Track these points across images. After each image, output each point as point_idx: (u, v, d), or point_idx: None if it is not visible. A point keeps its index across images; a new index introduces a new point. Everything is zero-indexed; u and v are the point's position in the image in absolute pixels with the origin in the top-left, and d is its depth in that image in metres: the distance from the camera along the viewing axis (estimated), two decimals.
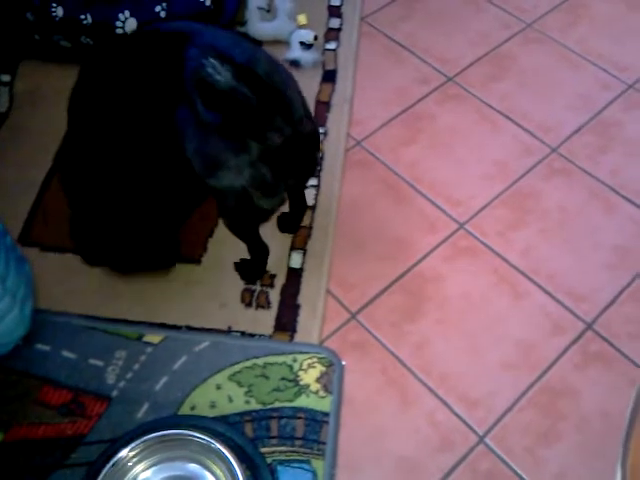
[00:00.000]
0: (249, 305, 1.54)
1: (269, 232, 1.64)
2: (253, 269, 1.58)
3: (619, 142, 1.86)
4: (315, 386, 1.41)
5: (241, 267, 1.59)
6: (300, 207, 1.63)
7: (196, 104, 1.24)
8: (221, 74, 1.18)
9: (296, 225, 1.66)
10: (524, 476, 1.32)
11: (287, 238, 1.64)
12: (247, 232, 1.50)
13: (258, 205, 1.35)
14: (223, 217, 1.47)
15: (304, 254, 1.62)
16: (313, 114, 1.88)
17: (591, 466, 1.34)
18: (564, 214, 1.71)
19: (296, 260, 1.61)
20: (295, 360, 1.44)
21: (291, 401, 1.39)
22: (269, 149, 1.26)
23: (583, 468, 1.34)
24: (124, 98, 1.35)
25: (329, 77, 1.99)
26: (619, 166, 1.80)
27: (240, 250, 1.59)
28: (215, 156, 1.29)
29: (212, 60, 1.19)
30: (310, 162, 1.45)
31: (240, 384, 1.41)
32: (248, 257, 1.58)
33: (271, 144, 1.26)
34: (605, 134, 1.87)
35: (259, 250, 1.54)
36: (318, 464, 1.31)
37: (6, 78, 1.96)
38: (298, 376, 1.42)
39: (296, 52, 2.00)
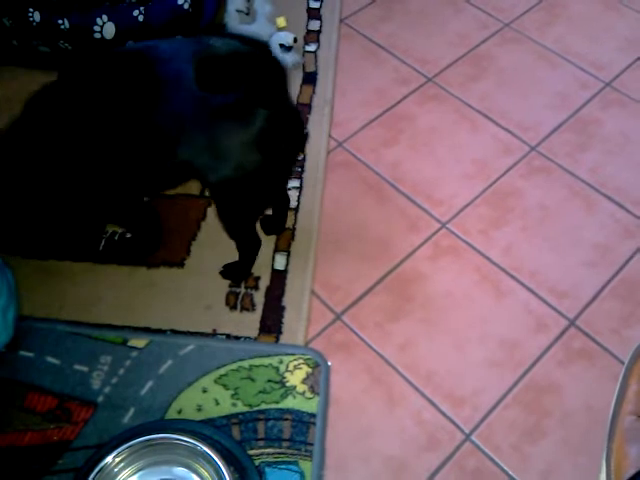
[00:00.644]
0: (234, 308, 1.54)
1: None
2: (241, 269, 1.58)
3: (598, 140, 1.88)
4: (301, 387, 1.41)
5: (227, 271, 1.58)
6: (283, 207, 1.63)
7: (193, 97, 1.24)
8: (221, 46, 1.20)
9: (281, 226, 1.66)
10: (511, 473, 1.33)
11: (271, 240, 1.64)
12: (246, 229, 1.50)
13: (262, 189, 1.36)
14: (225, 214, 1.45)
15: (288, 256, 1.62)
16: None
17: (576, 461, 1.35)
18: (545, 212, 1.72)
19: (280, 262, 1.61)
20: (281, 362, 1.44)
21: (278, 403, 1.39)
22: (274, 124, 1.26)
23: (569, 463, 1.35)
24: (89, 113, 1.34)
25: (309, 79, 2.00)
26: (598, 164, 1.82)
27: (224, 253, 1.59)
28: (225, 143, 1.28)
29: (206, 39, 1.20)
30: (301, 142, 1.46)
31: (226, 387, 1.41)
32: (231, 262, 1.58)
33: (278, 115, 1.26)
34: (584, 132, 1.89)
35: (254, 245, 1.55)
36: (306, 465, 1.31)
37: None
38: (284, 378, 1.42)
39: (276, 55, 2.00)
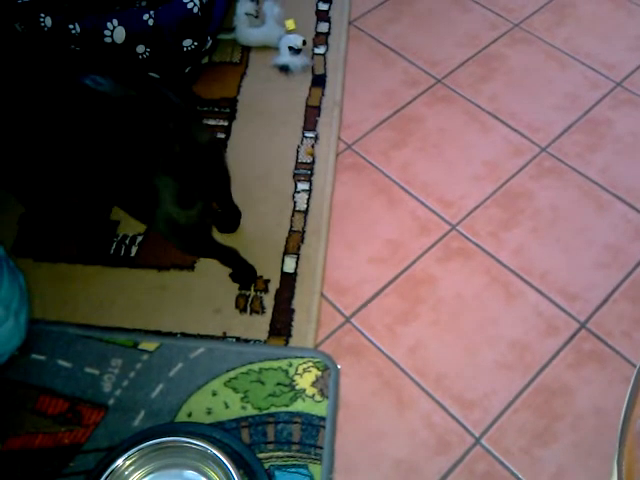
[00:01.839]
0: (244, 310, 1.55)
1: (261, 236, 1.65)
2: (242, 274, 1.58)
3: (609, 140, 1.87)
4: (311, 390, 1.41)
5: (235, 277, 1.59)
6: (231, 211, 1.64)
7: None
8: (102, 84, 1.20)
9: (233, 225, 1.66)
10: (521, 477, 1.33)
11: (280, 243, 1.65)
12: (202, 249, 1.49)
13: (182, 222, 1.33)
14: (173, 244, 1.47)
15: (297, 258, 1.63)
16: (303, 119, 1.90)
17: (587, 465, 1.34)
18: (555, 213, 1.72)
19: (289, 265, 1.62)
20: (290, 365, 1.44)
21: (287, 406, 1.39)
22: (172, 160, 1.24)
23: (579, 467, 1.34)
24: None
25: (318, 81, 2.00)
26: (609, 164, 1.82)
27: None
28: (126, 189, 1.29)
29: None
30: (217, 171, 1.44)
31: (236, 390, 1.41)
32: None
33: (173, 153, 1.23)
34: (594, 132, 1.88)
35: (229, 258, 1.54)
36: (315, 469, 1.31)
37: None
38: (294, 381, 1.42)
39: (285, 57, 2.00)
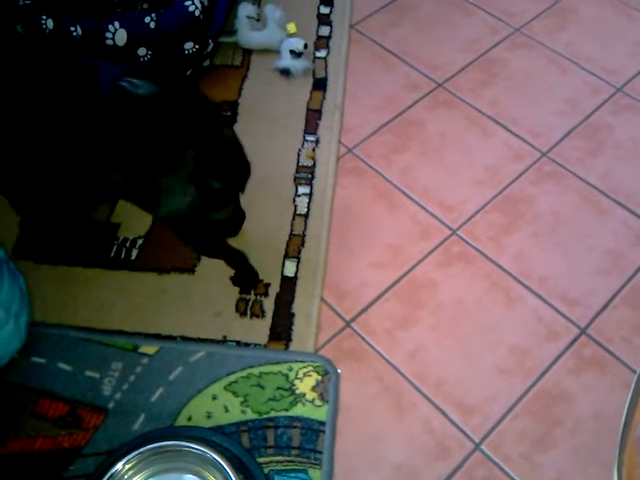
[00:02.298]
0: (244, 314, 1.55)
1: (261, 239, 1.65)
2: (245, 278, 1.58)
3: (609, 145, 1.87)
4: (311, 395, 1.41)
5: (236, 280, 1.59)
6: (238, 214, 1.64)
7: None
8: (141, 86, 1.21)
9: (236, 228, 1.67)
10: None
11: (281, 247, 1.65)
12: (215, 249, 1.50)
13: (213, 219, 1.34)
14: (187, 244, 1.48)
15: (298, 262, 1.63)
16: (304, 122, 1.90)
17: (587, 471, 1.34)
18: (556, 218, 1.72)
19: (290, 268, 1.62)
20: (290, 369, 1.44)
21: (287, 410, 1.39)
22: (205, 156, 1.25)
23: (579, 473, 1.34)
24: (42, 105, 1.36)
25: (319, 85, 2.00)
26: (610, 169, 1.82)
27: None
28: (154, 182, 1.28)
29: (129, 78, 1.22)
30: (243, 165, 1.44)
31: (236, 394, 1.41)
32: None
33: (206, 150, 1.25)
34: (595, 138, 1.89)
35: (237, 260, 1.55)
36: (315, 473, 1.31)
37: None
38: (294, 385, 1.42)
39: (286, 60, 2.01)
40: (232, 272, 1.59)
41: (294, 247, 1.65)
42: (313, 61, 2.06)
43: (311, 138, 1.86)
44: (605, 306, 1.57)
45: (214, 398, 1.41)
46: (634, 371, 1.46)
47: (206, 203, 1.30)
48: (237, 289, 1.58)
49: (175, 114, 1.23)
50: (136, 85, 1.22)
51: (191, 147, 1.23)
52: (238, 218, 1.66)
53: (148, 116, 1.23)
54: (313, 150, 1.84)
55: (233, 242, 1.63)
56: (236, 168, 1.37)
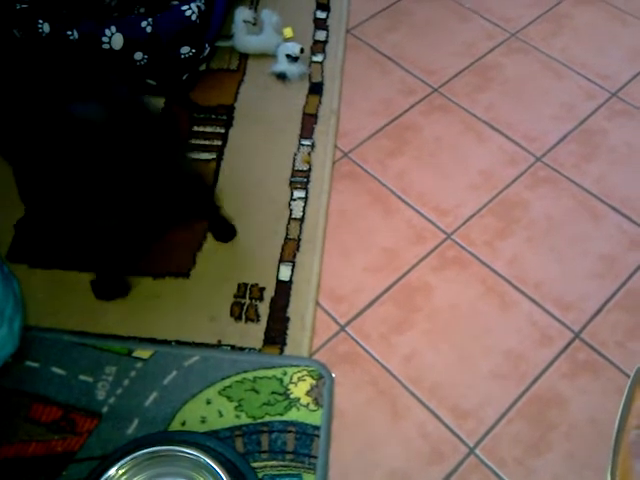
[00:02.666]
0: (239, 318, 1.55)
1: (255, 244, 1.65)
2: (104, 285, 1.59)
3: (604, 150, 1.87)
4: (305, 399, 1.41)
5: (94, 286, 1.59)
6: (224, 228, 1.66)
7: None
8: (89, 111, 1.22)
9: (228, 237, 1.67)
10: None
11: (276, 250, 1.65)
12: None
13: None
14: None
15: (293, 266, 1.63)
16: (300, 126, 1.90)
17: (582, 475, 1.34)
18: (550, 223, 1.72)
19: (285, 273, 1.62)
20: (285, 373, 1.44)
21: (281, 415, 1.39)
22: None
23: (574, 477, 1.34)
24: None
25: (316, 89, 2.00)
26: (604, 174, 1.82)
27: (229, 263, 1.60)
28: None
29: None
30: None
31: (230, 399, 1.41)
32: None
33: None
34: (590, 143, 1.89)
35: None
36: (310, 478, 1.31)
37: None
38: (288, 389, 1.42)
39: (282, 65, 2.01)
40: (231, 272, 1.59)
41: (289, 251, 1.65)
42: (309, 65, 2.06)
43: (307, 142, 1.87)
44: (599, 310, 1.57)
45: (208, 403, 1.41)
46: (628, 375, 1.46)
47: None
48: (232, 293, 1.58)
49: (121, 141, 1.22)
50: (83, 110, 1.21)
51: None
52: (224, 232, 1.66)
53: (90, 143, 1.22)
54: (309, 154, 1.84)
55: (228, 246, 1.64)
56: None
